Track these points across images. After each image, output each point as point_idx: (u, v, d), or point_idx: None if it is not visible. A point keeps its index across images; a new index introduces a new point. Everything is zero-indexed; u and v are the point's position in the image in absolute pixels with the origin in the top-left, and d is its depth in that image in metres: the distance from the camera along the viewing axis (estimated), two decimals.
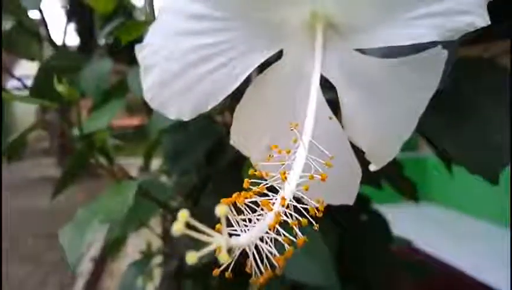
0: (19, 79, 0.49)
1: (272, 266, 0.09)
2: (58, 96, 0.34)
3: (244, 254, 0.10)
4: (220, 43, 0.14)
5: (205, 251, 0.08)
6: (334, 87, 0.15)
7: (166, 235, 0.60)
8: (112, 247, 0.46)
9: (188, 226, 0.08)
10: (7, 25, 0.42)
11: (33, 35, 0.46)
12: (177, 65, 0.14)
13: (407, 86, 0.15)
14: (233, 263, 0.09)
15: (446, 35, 0.14)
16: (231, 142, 0.17)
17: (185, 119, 0.15)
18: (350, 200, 0.15)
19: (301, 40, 0.15)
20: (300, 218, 0.10)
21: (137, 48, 0.16)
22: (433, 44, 0.16)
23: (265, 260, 0.09)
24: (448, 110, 0.23)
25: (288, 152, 0.11)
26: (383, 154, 0.16)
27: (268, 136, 0.15)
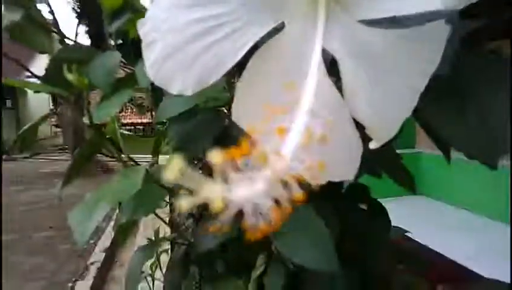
0: (32, 73, 0.51)
1: (269, 222, 0.09)
2: (68, 85, 0.35)
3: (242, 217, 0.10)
4: (222, 15, 0.14)
5: (199, 198, 0.08)
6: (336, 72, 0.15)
7: (174, 223, 0.61)
8: (121, 233, 0.47)
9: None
10: (17, 16, 0.43)
11: (42, 27, 0.47)
12: (178, 38, 0.14)
13: (409, 58, 0.15)
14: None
15: (450, 3, 0.13)
16: (232, 118, 0.17)
17: (188, 94, 0.15)
18: (351, 175, 0.15)
19: (303, 12, 0.14)
20: (299, 176, 0.10)
21: (139, 23, 0.16)
22: (437, 17, 0.15)
23: (263, 215, 0.09)
24: (449, 93, 0.23)
25: (286, 112, 0.11)
26: (384, 130, 0.15)
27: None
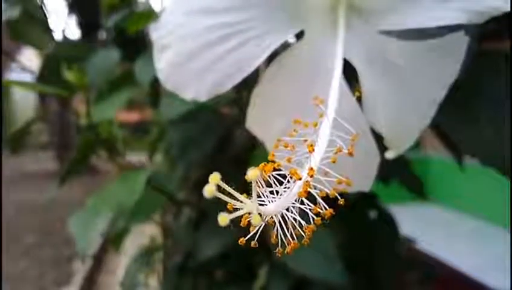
0: (28, 70, 0.49)
1: (298, 237, 0.09)
2: (66, 84, 0.34)
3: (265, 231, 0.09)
4: (239, 23, 0.14)
5: (236, 214, 0.08)
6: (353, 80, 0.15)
7: (168, 231, 0.59)
8: (115, 240, 0.46)
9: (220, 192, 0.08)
10: (14, 12, 0.42)
11: (40, 24, 0.45)
12: (194, 44, 0.14)
13: (429, 70, 0.15)
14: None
15: (473, 18, 0.13)
16: (246, 126, 0.16)
17: (202, 100, 0.15)
18: (367, 186, 0.15)
19: (322, 21, 0.14)
20: (328, 190, 0.09)
21: (153, 27, 0.15)
22: (455, 30, 0.15)
23: (291, 230, 0.09)
24: (463, 98, 0.23)
25: (315, 125, 0.11)
26: (402, 140, 0.15)
27: (286, 119, 0.15)
